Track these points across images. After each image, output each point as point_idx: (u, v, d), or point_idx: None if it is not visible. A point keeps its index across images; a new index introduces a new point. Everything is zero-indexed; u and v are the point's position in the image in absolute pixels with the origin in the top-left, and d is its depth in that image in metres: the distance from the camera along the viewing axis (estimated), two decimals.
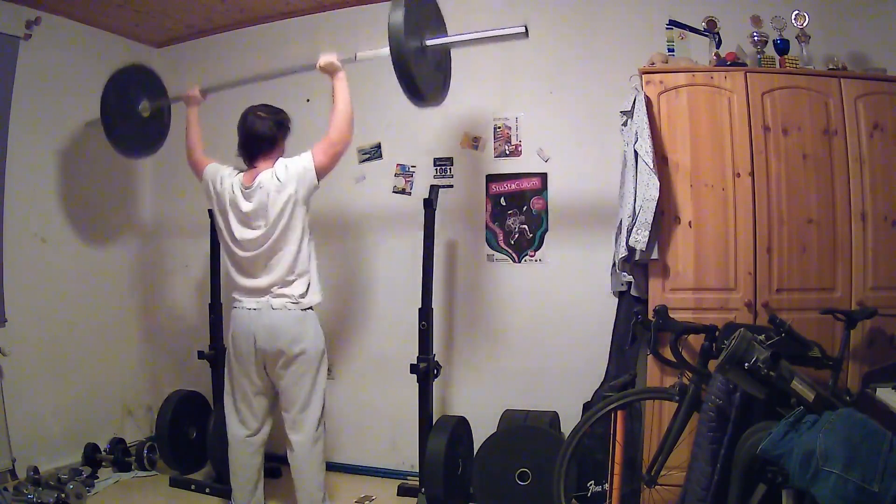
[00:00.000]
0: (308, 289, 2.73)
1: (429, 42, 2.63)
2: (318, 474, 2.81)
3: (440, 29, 2.81)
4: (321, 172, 2.72)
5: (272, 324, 2.67)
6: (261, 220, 2.68)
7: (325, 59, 2.78)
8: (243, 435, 2.82)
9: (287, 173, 2.68)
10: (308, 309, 2.73)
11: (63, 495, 3.10)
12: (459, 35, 2.76)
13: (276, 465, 3.48)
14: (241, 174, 2.77)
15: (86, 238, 3.93)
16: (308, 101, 3.94)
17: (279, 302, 2.68)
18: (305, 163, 2.70)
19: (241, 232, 2.71)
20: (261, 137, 2.73)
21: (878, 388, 2.18)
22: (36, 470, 3.29)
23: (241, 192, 2.71)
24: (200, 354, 3.64)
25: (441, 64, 2.86)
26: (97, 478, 3.58)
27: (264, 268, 2.69)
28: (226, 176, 2.79)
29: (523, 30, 2.56)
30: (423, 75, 2.58)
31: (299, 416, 2.74)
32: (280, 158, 2.76)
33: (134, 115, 3.40)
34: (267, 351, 2.68)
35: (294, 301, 2.68)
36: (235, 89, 3.88)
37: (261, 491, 2.88)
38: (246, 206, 2.69)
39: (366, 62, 3.81)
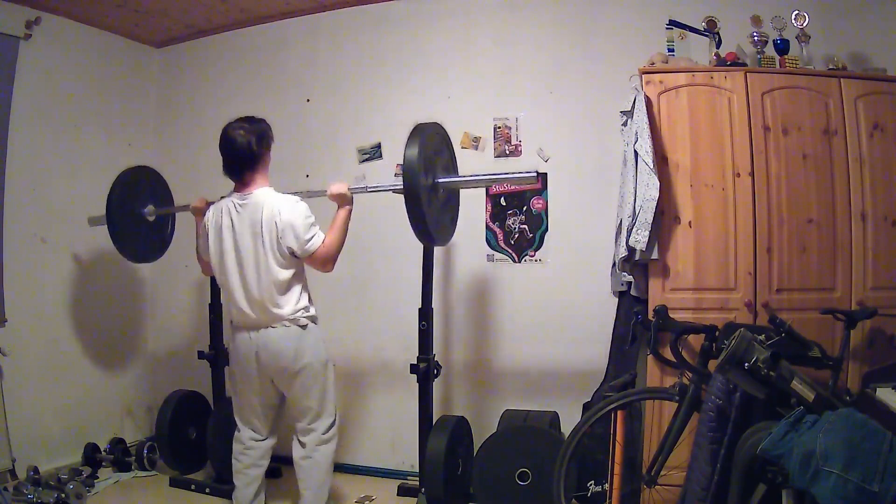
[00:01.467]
0: (305, 303, 2.70)
1: (440, 180, 2.66)
2: (326, 476, 2.79)
3: (452, 163, 2.86)
4: (304, 257, 2.64)
5: (272, 343, 2.64)
6: (248, 241, 2.61)
7: (336, 188, 2.72)
8: (249, 439, 2.80)
9: (288, 238, 2.59)
10: (306, 325, 2.70)
11: (63, 495, 3.09)
12: (470, 176, 2.85)
13: (276, 465, 3.47)
14: (233, 194, 2.71)
15: (85, 238, 3.92)
16: (308, 101, 3.95)
17: (278, 323, 2.64)
18: (307, 244, 2.61)
19: (234, 263, 2.65)
20: (244, 155, 2.63)
21: (878, 388, 2.18)
22: (36, 470, 3.29)
23: (235, 207, 2.65)
24: (200, 354, 3.64)
25: (450, 202, 2.89)
26: (97, 478, 3.58)
27: (260, 292, 2.62)
28: (220, 207, 2.72)
29: (535, 175, 2.69)
30: (433, 213, 2.59)
31: (312, 424, 2.75)
32: (282, 198, 2.64)
33: (139, 218, 3.38)
34: (270, 368, 2.67)
35: (292, 318, 2.65)
36: (234, 95, 3.91)
37: (262, 495, 2.85)
38: (238, 221, 2.63)
39: (367, 61, 3.85)
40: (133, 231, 3.40)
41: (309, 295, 2.75)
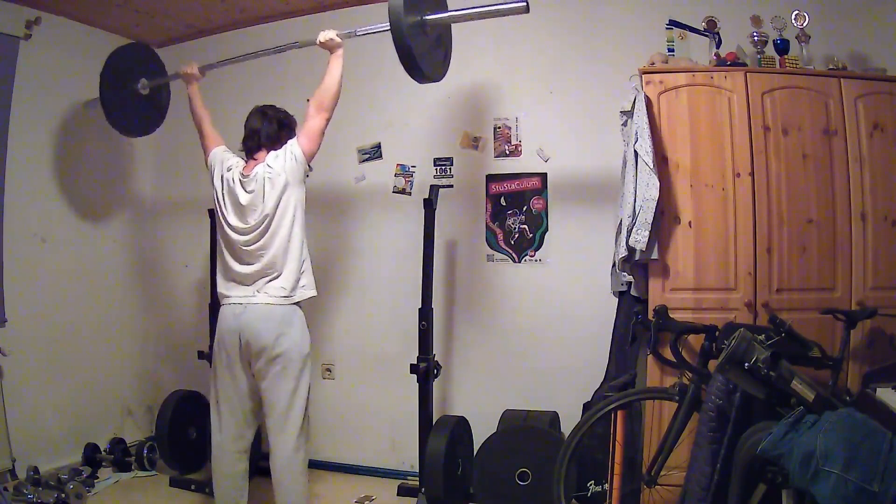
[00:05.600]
0: (297, 283, 2.70)
1: (428, 17, 2.62)
2: (300, 484, 2.72)
3: (440, 5, 2.82)
4: (309, 156, 2.75)
5: (258, 319, 2.63)
6: (256, 211, 2.69)
7: (324, 35, 2.79)
8: (226, 439, 2.73)
9: (277, 163, 2.71)
10: (296, 304, 2.70)
11: (63, 495, 3.10)
12: (458, 10, 2.72)
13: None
14: (243, 164, 2.82)
15: (85, 238, 3.93)
16: (308, 101, 3.94)
17: (266, 297, 2.65)
18: (294, 151, 2.72)
19: (236, 220, 2.73)
20: (264, 134, 2.77)
21: (878, 388, 2.18)
22: (36, 470, 3.29)
23: (240, 181, 2.74)
24: (200, 354, 3.64)
25: (441, 39, 2.86)
26: (97, 478, 3.58)
27: (255, 255, 2.69)
28: (231, 164, 2.83)
29: (524, 5, 2.51)
30: (422, 51, 2.58)
31: (280, 421, 2.66)
32: (271, 150, 2.77)
33: (133, 93, 3.40)
34: (252, 347, 2.63)
35: (284, 295, 2.66)
36: (235, 89, 3.91)
37: (244, 498, 2.78)
38: (243, 197, 2.71)
39: (367, 60, 3.85)
40: (127, 106, 3.39)
41: (305, 270, 2.75)
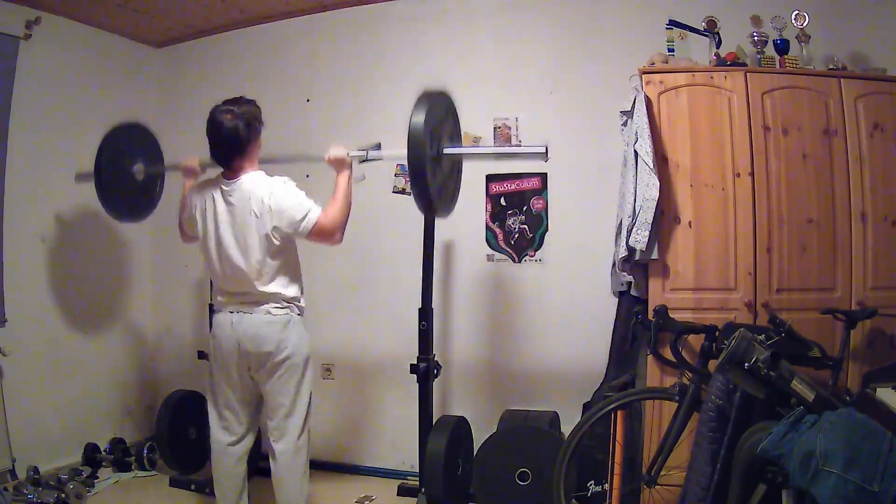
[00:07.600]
0: (290, 299, 2.62)
1: (447, 151, 2.54)
2: (302, 484, 2.69)
3: (455, 131, 2.72)
4: (304, 236, 2.54)
5: (256, 329, 2.55)
6: (237, 245, 2.53)
7: (334, 152, 2.62)
8: (226, 442, 2.69)
9: (270, 212, 2.49)
10: (293, 314, 2.64)
11: (63, 495, 3.10)
12: (478, 147, 2.70)
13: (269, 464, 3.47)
14: (221, 178, 2.60)
15: (85, 238, 3.92)
16: (308, 100, 3.95)
17: (262, 308, 2.57)
18: (304, 228, 2.51)
19: (221, 248, 2.56)
20: (231, 141, 2.51)
21: (878, 388, 2.18)
22: (36, 470, 3.29)
23: (222, 191, 2.56)
24: (200, 354, 3.64)
25: (454, 172, 2.76)
26: (97, 478, 3.58)
27: (243, 285, 2.57)
28: (206, 192, 2.63)
29: (543, 150, 2.50)
30: (436, 183, 2.46)
31: (283, 423, 2.62)
32: (270, 181, 2.55)
33: (128, 177, 3.18)
34: (251, 354, 2.57)
35: (279, 306, 2.59)
36: (234, 91, 3.89)
37: (245, 500, 2.76)
38: (225, 212, 2.54)
39: (368, 59, 3.85)
40: (120, 189, 3.18)
41: (301, 287, 2.68)
